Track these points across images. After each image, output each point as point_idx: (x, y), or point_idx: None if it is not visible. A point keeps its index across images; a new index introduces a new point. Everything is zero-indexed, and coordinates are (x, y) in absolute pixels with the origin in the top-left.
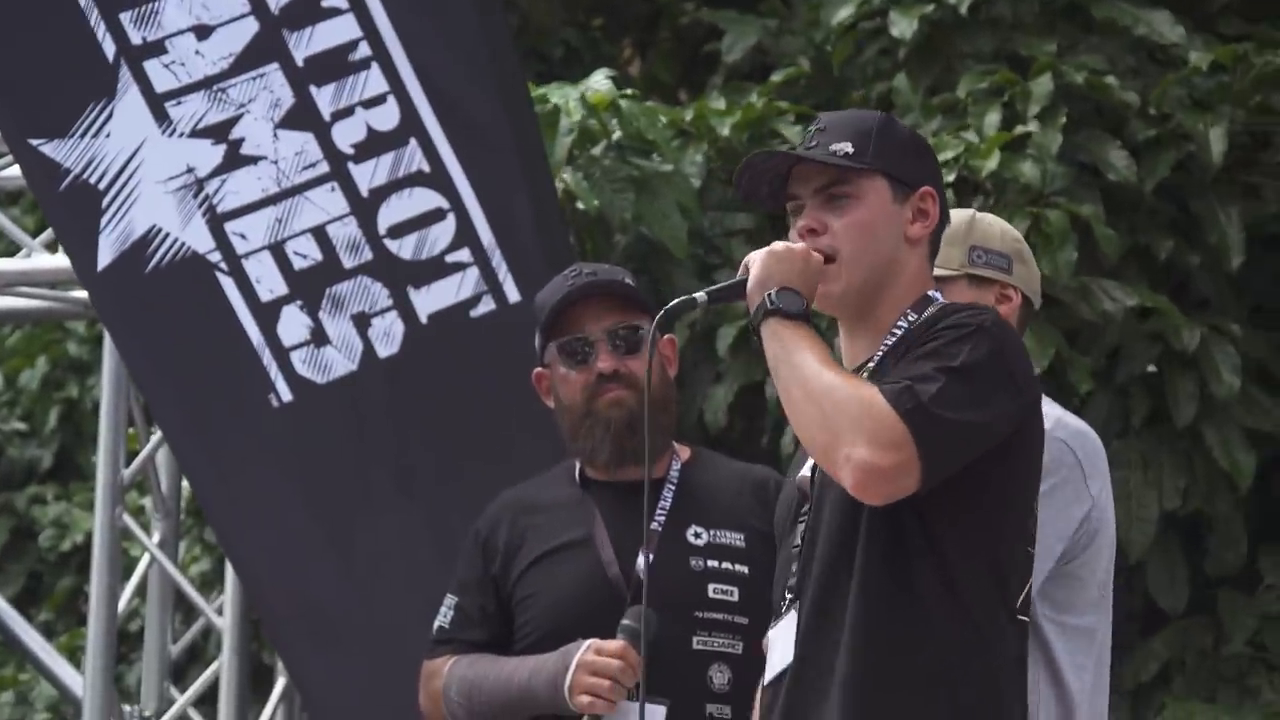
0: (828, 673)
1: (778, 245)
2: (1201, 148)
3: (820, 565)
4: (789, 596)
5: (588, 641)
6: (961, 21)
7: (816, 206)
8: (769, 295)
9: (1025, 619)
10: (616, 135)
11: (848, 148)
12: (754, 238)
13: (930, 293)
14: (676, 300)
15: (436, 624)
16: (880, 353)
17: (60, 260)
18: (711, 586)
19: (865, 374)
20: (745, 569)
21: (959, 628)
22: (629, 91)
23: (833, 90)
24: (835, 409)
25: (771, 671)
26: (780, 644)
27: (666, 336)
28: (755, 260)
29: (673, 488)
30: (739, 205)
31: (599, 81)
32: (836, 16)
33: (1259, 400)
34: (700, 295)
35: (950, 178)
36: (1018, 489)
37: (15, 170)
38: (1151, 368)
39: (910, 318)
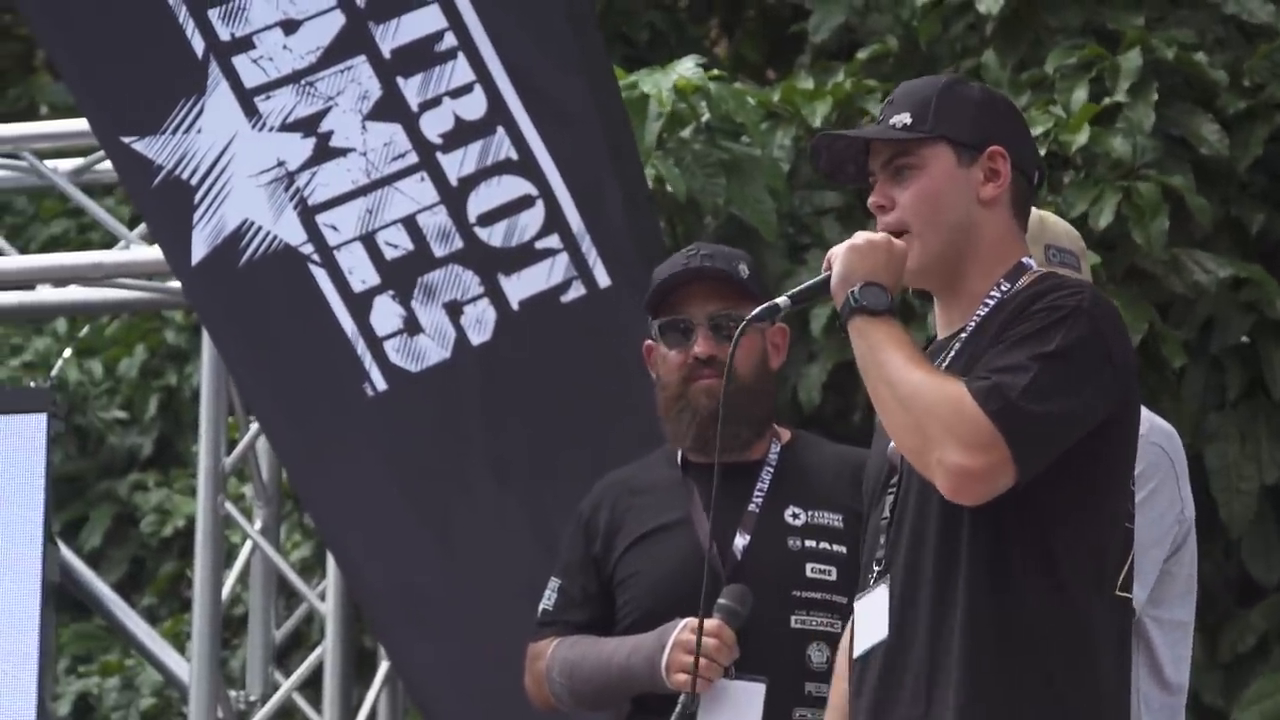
0: (926, 651)
1: (859, 238)
2: None
3: (910, 542)
4: (877, 569)
5: (684, 620)
6: None
7: (884, 181)
8: (852, 293)
9: (1128, 595)
10: (705, 118)
11: (906, 119)
12: (844, 216)
13: (1024, 260)
14: (759, 308)
15: (541, 606)
16: (973, 323)
17: (157, 251)
18: (809, 566)
19: (957, 344)
20: (843, 549)
21: (1058, 608)
22: (717, 73)
23: (921, 67)
24: (924, 412)
25: (863, 645)
26: (872, 617)
27: (778, 325)
28: (837, 256)
29: (771, 470)
30: (828, 184)
31: (688, 68)
32: None
33: None
34: (783, 300)
35: (1040, 153)
36: (1117, 465)
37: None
38: (1245, 339)
39: (1003, 287)
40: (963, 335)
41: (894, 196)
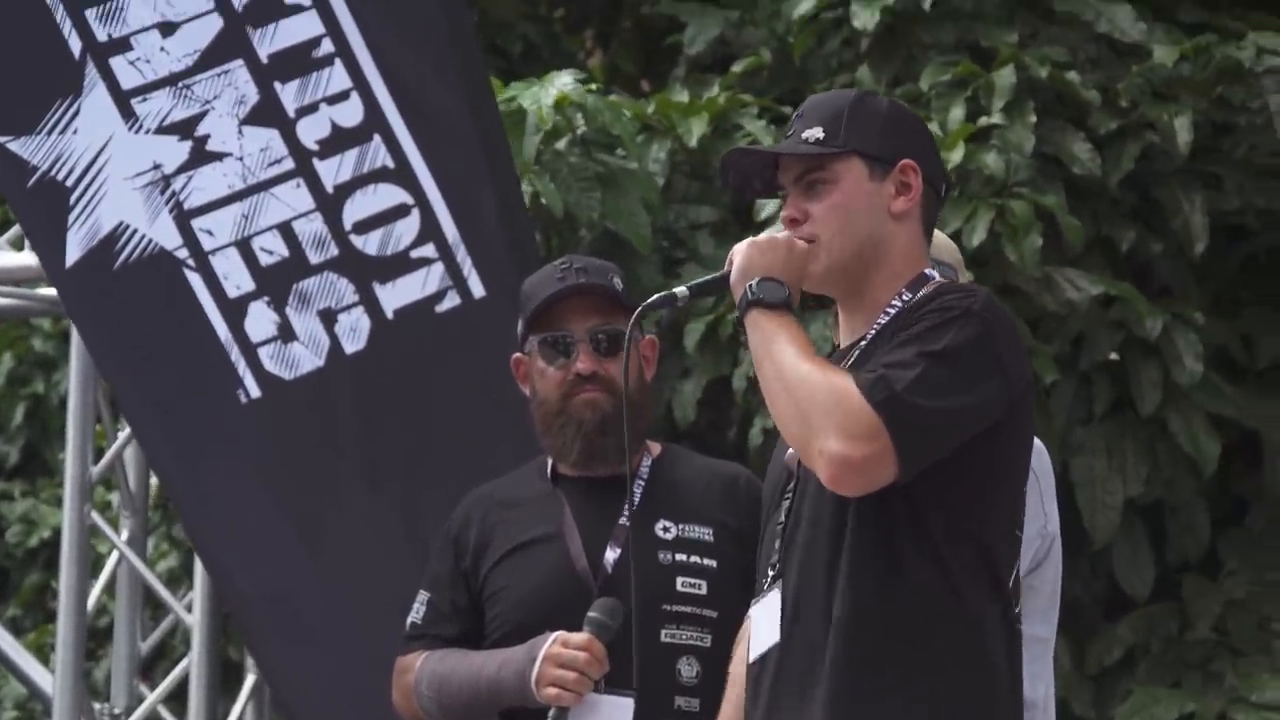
0: (814, 653)
1: (761, 236)
2: (1166, 138)
3: (804, 546)
4: (770, 574)
5: (554, 634)
6: (923, 13)
7: (797, 195)
8: (750, 286)
9: (1017, 605)
10: (581, 130)
11: (818, 133)
12: (719, 230)
13: (926, 271)
14: (657, 295)
15: (409, 620)
16: (872, 331)
17: (25, 258)
18: (680, 580)
19: (856, 352)
20: (714, 563)
21: (948, 612)
22: (593, 86)
23: (795, 82)
24: (809, 401)
25: (758, 650)
26: (764, 622)
27: (647, 338)
28: (738, 252)
29: (642, 483)
30: (703, 198)
31: (566, 83)
32: (798, 9)
33: (1220, 388)
34: (681, 290)
35: None
36: (1008, 473)
37: None
38: (1114, 355)
39: (904, 296)
40: (862, 343)
41: (807, 210)
